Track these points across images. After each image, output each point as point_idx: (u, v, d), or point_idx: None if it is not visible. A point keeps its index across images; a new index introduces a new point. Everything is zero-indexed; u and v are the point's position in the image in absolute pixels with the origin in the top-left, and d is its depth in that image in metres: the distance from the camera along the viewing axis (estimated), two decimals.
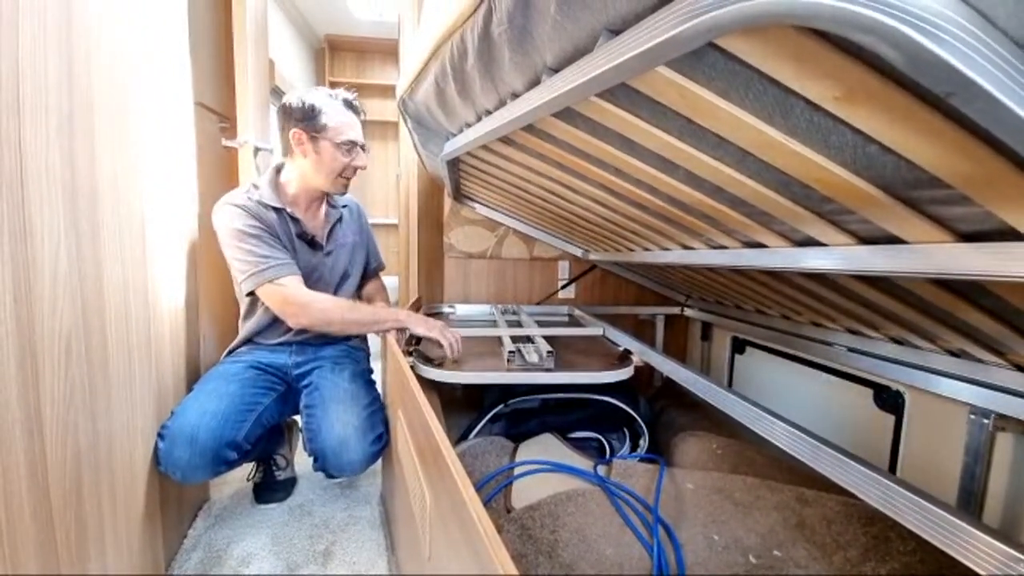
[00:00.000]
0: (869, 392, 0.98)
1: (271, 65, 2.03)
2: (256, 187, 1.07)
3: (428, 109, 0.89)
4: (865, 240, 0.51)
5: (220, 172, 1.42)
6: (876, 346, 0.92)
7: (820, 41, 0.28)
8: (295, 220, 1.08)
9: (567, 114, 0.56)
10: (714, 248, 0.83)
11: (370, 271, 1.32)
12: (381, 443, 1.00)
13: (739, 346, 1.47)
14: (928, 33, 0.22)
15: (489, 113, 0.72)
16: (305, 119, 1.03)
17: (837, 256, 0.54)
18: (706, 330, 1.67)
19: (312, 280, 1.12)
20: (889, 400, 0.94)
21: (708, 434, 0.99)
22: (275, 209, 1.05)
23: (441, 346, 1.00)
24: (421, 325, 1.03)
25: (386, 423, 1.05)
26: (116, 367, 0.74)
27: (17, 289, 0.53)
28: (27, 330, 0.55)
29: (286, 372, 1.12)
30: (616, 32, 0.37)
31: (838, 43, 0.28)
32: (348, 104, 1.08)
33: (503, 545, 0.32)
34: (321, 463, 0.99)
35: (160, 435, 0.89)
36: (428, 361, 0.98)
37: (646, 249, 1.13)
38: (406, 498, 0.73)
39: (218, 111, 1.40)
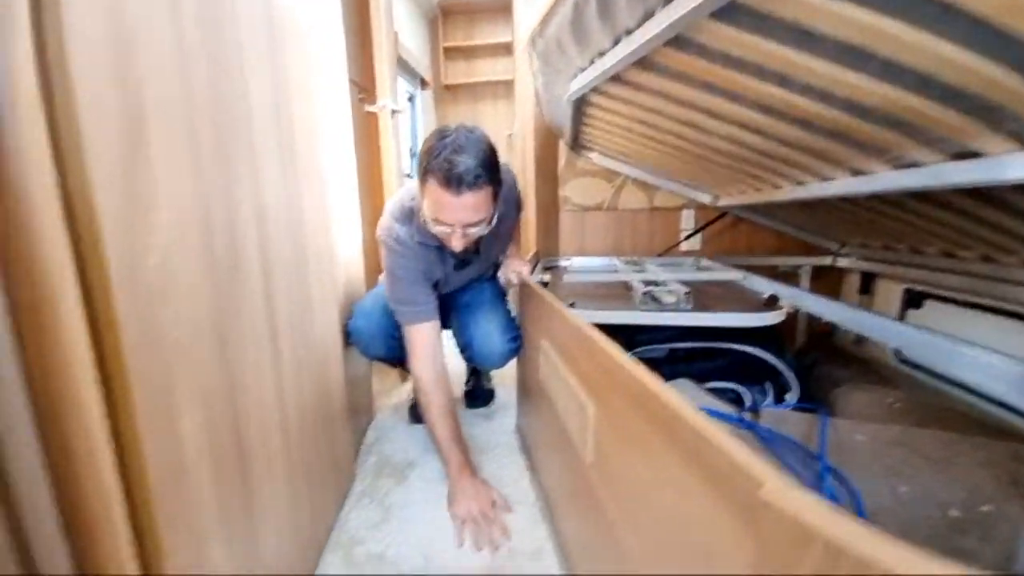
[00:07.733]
0: None
1: (395, 36, 2.15)
2: (414, 209, 1.01)
3: (559, 43, 0.86)
4: None
5: (363, 135, 1.58)
6: None
7: None
8: (451, 253, 1.05)
9: (708, 38, 0.50)
10: (901, 168, 0.69)
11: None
12: (516, 343, 1.14)
13: (914, 299, 1.24)
14: None
15: (629, 32, 0.68)
16: (420, 164, 0.92)
17: None
18: (866, 282, 1.44)
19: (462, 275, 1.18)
20: None
21: (879, 387, 0.87)
22: (433, 248, 1.04)
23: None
24: (457, 498, 0.94)
25: (519, 332, 1.16)
26: (315, 293, 0.88)
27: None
28: (266, 256, 0.67)
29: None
30: None
31: None
32: (445, 179, 0.85)
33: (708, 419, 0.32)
34: (468, 352, 1.18)
35: (347, 323, 1.12)
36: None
37: (799, 183, 1.00)
38: (553, 420, 0.77)
39: (357, 82, 1.54)
